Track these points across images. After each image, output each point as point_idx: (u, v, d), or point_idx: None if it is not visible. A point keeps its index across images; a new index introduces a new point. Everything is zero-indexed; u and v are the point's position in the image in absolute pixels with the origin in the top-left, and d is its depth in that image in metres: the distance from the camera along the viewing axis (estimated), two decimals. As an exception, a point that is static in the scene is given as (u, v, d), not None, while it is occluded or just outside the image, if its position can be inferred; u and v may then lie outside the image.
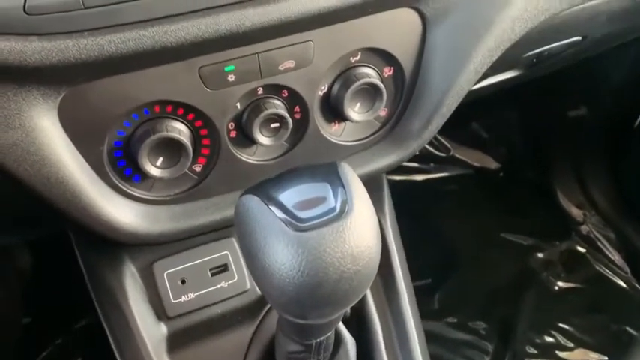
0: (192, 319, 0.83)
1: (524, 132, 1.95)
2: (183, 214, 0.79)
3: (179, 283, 0.83)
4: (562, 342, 1.58)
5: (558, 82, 1.61)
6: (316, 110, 0.80)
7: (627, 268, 1.74)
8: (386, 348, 0.88)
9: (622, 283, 1.71)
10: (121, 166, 0.74)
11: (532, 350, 1.56)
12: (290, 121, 0.76)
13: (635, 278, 1.71)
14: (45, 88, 0.64)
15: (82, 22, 0.60)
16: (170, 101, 0.71)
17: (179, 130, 0.72)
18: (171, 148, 0.72)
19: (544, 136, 1.89)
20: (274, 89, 0.75)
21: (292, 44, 0.72)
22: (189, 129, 0.74)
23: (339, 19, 0.72)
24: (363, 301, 0.89)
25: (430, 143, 1.99)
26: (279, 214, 0.51)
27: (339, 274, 0.50)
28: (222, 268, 0.85)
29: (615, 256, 1.76)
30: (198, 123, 0.74)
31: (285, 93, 0.76)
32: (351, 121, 0.81)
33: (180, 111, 0.72)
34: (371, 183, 0.94)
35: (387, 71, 0.81)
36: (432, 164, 2.01)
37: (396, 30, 0.77)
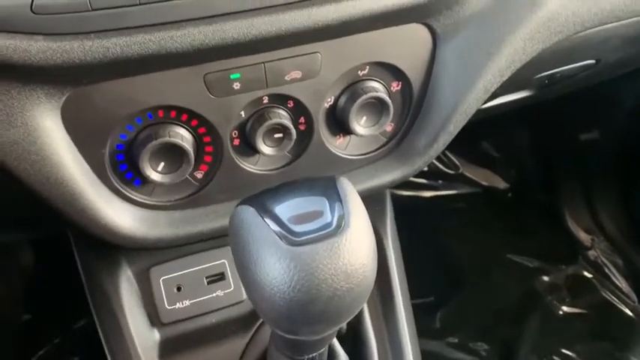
0: (186, 327, 0.82)
1: (534, 152, 1.93)
2: (183, 220, 0.79)
3: (175, 289, 0.82)
4: (564, 368, 1.55)
5: (571, 104, 1.60)
6: (321, 122, 0.79)
7: (634, 297, 1.70)
8: (381, 366, 0.87)
9: (628, 312, 1.68)
10: (122, 170, 0.74)
11: (533, 375, 1.54)
12: (294, 131, 0.75)
13: (642, 306, 1.68)
14: (49, 88, 0.64)
15: (88, 24, 0.60)
16: (174, 107, 0.70)
17: (182, 136, 0.71)
18: (173, 154, 0.71)
19: (554, 158, 1.87)
20: (280, 99, 0.75)
21: (299, 55, 0.71)
22: (193, 135, 0.74)
23: (348, 32, 0.71)
24: (359, 318, 0.88)
25: (439, 160, 1.98)
26: (273, 226, 0.50)
27: (332, 291, 0.49)
28: (219, 277, 0.84)
29: (622, 283, 1.73)
30: (202, 130, 0.74)
31: (290, 103, 0.76)
32: (357, 134, 0.80)
33: (184, 117, 0.72)
34: (374, 198, 0.93)
35: (395, 86, 0.80)
36: (440, 181, 1.99)
37: (405, 45, 0.77)
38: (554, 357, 1.56)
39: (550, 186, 1.90)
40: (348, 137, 0.83)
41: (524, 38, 0.78)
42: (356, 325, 0.88)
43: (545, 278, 1.74)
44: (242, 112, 0.74)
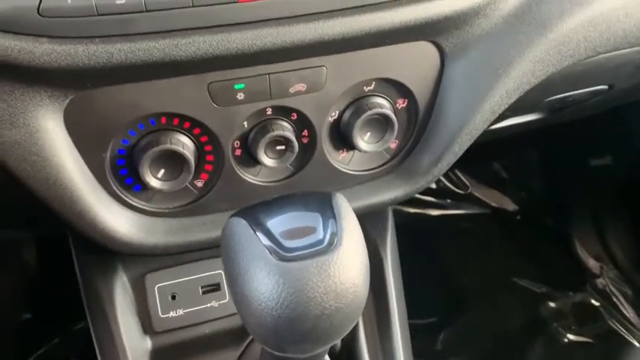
0: (178, 337, 0.81)
1: (544, 175, 1.91)
2: (180, 228, 0.78)
3: (169, 298, 0.82)
4: (567, 398, 1.52)
5: (584, 128, 1.58)
6: (325, 136, 0.79)
7: (642, 328, 1.67)
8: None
9: (635, 342, 1.64)
10: (123, 175, 0.74)
11: (535, 403, 1.51)
12: (296, 144, 0.75)
13: (650, 337, 1.64)
14: (52, 90, 0.64)
15: (93, 29, 0.60)
16: (177, 114, 0.70)
17: (183, 144, 0.71)
18: (173, 161, 0.71)
19: (565, 182, 1.85)
20: (283, 111, 0.74)
21: (305, 68, 0.71)
22: (194, 143, 0.73)
23: (355, 47, 0.71)
24: (354, 337, 0.86)
25: (448, 179, 1.97)
26: (264, 240, 0.50)
27: (321, 310, 0.48)
28: (215, 288, 0.83)
29: (631, 313, 1.70)
30: (204, 138, 0.73)
31: (294, 116, 0.75)
32: (360, 150, 0.79)
33: (187, 125, 0.72)
34: (375, 215, 0.92)
35: (401, 103, 0.80)
36: (448, 200, 1.98)
37: (413, 62, 0.76)
38: (558, 386, 1.53)
39: (560, 210, 1.87)
40: (351, 152, 0.82)
41: (533, 61, 0.77)
42: (350, 342, 0.87)
43: (552, 304, 1.71)
44: (245, 123, 0.74)
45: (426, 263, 1.76)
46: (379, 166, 0.85)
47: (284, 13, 0.65)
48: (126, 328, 0.79)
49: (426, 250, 1.80)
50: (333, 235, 0.50)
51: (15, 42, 0.58)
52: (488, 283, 1.75)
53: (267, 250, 0.49)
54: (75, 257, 0.88)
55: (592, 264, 1.79)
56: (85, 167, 0.70)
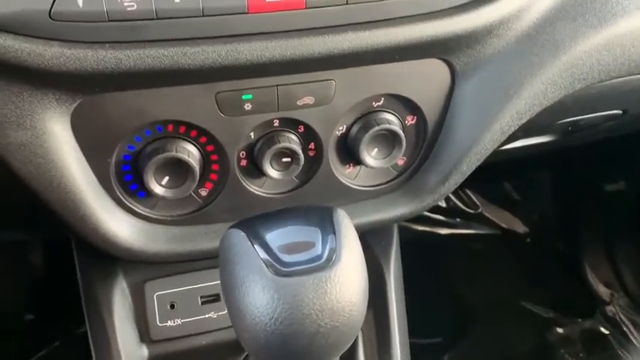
0: (175, 347, 0.80)
1: (556, 198, 1.88)
2: (182, 236, 0.78)
3: (168, 306, 0.81)
4: None
5: (597, 151, 1.55)
6: (331, 150, 0.78)
7: (652, 358, 1.63)
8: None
9: (645, 373, 1.61)
10: (127, 181, 0.73)
11: None
12: (302, 157, 0.74)
13: (660, 369, 1.60)
14: (61, 94, 0.64)
15: (103, 34, 0.60)
16: (183, 122, 0.70)
17: (189, 152, 0.71)
18: (178, 169, 0.71)
19: (577, 206, 1.82)
20: (291, 123, 0.74)
21: (313, 81, 0.71)
22: (200, 152, 0.73)
23: (364, 62, 0.70)
24: (353, 355, 0.85)
25: (459, 198, 1.95)
26: (262, 254, 0.49)
27: (315, 328, 0.47)
28: (214, 298, 0.82)
29: (640, 342, 1.66)
30: (210, 147, 0.73)
31: (301, 128, 0.75)
32: (367, 165, 0.78)
33: (193, 133, 0.72)
34: (380, 232, 0.91)
35: (410, 120, 0.79)
36: (458, 219, 1.96)
37: (423, 80, 0.75)
38: (563, 414, 1.50)
39: (571, 234, 1.85)
40: (357, 167, 0.81)
41: (545, 82, 0.76)
42: (349, 361, 0.85)
43: (560, 330, 1.68)
44: (251, 134, 0.73)
45: (433, 282, 1.74)
46: (385, 183, 0.84)
47: (294, 25, 0.65)
48: (123, 335, 0.79)
49: (433, 269, 1.78)
50: (332, 251, 0.50)
51: (25, 44, 0.59)
52: (495, 305, 1.72)
53: (263, 264, 0.48)
54: (77, 261, 0.88)
55: (602, 290, 1.76)
56: (90, 172, 0.70)
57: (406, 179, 0.84)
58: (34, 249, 1.52)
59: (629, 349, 1.65)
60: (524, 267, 1.85)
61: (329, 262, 0.49)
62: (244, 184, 0.77)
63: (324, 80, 0.71)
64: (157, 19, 0.61)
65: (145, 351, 0.80)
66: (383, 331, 0.86)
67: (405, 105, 0.77)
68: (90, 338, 0.82)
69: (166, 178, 0.71)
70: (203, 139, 0.72)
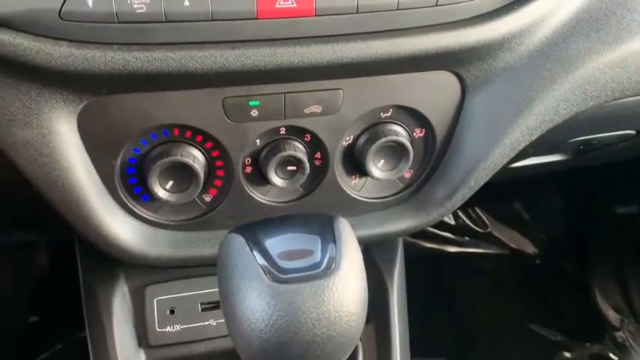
0: (172, 353, 0.80)
1: (567, 220, 1.85)
2: (185, 241, 0.77)
3: (167, 312, 0.80)
4: None
5: (610, 172, 1.53)
6: (337, 160, 0.77)
7: (661, 387, 1.59)
8: None
9: (654, 402, 1.56)
10: (132, 183, 0.73)
11: None
12: (307, 166, 0.74)
13: (669, 399, 1.56)
14: (68, 94, 0.64)
15: (112, 35, 0.60)
16: (189, 127, 0.70)
17: (194, 157, 0.71)
18: (183, 173, 0.71)
19: (588, 228, 1.80)
20: (297, 131, 0.73)
21: (321, 89, 0.70)
22: (205, 157, 0.73)
23: (373, 72, 0.70)
24: (352, 369, 0.83)
25: (468, 216, 1.94)
26: (260, 259, 0.48)
27: (311, 337, 0.46)
28: (214, 305, 0.81)
29: (650, 370, 1.62)
30: (215, 153, 0.73)
31: (307, 137, 0.74)
32: (373, 177, 0.78)
33: (199, 138, 0.71)
34: (384, 245, 0.90)
35: (418, 132, 0.78)
36: (467, 237, 1.94)
37: (432, 92, 0.75)
38: None
39: (581, 257, 1.82)
40: (363, 179, 0.81)
41: (557, 99, 0.75)
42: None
43: (567, 354, 1.65)
44: (257, 140, 0.73)
45: (439, 300, 1.71)
46: (391, 195, 0.83)
47: (303, 32, 0.64)
48: (121, 339, 0.78)
49: (440, 287, 1.76)
50: (332, 259, 0.49)
51: (34, 43, 0.59)
52: (501, 326, 1.69)
53: (261, 270, 0.48)
54: (79, 263, 0.88)
55: (612, 315, 1.72)
56: (95, 173, 0.70)
57: (412, 192, 0.83)
58: (38, 251, 1.52)
59: (639, 376, 1.61)
60: (533, 288, 1.82)
61: (328, 270, 0.48)
62: (248, 191, 0.76)
63: (332, 89, 0.70)
64: (166, 22, 0.61)
65: (142, 356, 0.79)
66: (384, 346, 0.85)
67: (414, 117, 0.76)
68: (89, 340, 0.82)
69: (170, 183, 0.71)
70: (209, 145, 0.72)
